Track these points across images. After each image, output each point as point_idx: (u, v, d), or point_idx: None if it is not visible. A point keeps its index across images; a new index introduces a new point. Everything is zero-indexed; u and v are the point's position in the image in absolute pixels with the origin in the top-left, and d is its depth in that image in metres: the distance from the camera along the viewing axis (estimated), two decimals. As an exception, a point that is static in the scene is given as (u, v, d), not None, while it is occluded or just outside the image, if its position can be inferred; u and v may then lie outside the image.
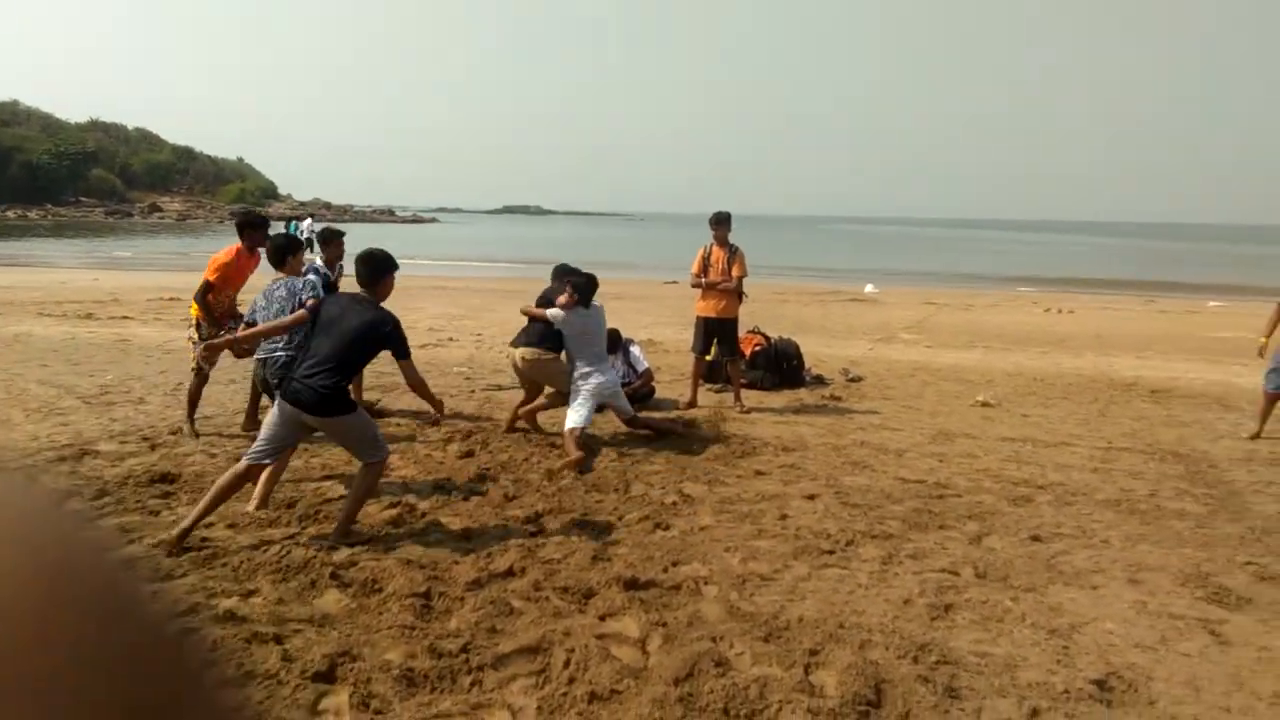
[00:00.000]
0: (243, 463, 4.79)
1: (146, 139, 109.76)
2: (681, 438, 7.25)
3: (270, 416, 4.93)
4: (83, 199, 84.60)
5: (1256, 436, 7.79)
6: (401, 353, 4.87)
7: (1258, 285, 31.00)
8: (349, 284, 5.75)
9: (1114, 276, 36.56)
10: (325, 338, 4.81)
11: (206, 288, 6.90)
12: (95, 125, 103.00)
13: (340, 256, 7.80)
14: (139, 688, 0.31)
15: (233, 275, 6.99)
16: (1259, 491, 6.19)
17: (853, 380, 10.03)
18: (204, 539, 4.73)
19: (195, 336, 6.90)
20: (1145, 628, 4.03)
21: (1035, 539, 5.12)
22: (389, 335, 4.85)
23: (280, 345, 5.79)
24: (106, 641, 0.30)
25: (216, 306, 6.95)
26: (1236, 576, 4.64)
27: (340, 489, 5.68)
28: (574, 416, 6.73)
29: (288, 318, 5.44)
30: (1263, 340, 8.16)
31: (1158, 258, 59.87)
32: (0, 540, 0.31)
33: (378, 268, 5.02)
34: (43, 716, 0.27)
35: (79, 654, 0.29)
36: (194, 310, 7.03)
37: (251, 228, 7.13)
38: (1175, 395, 9.76)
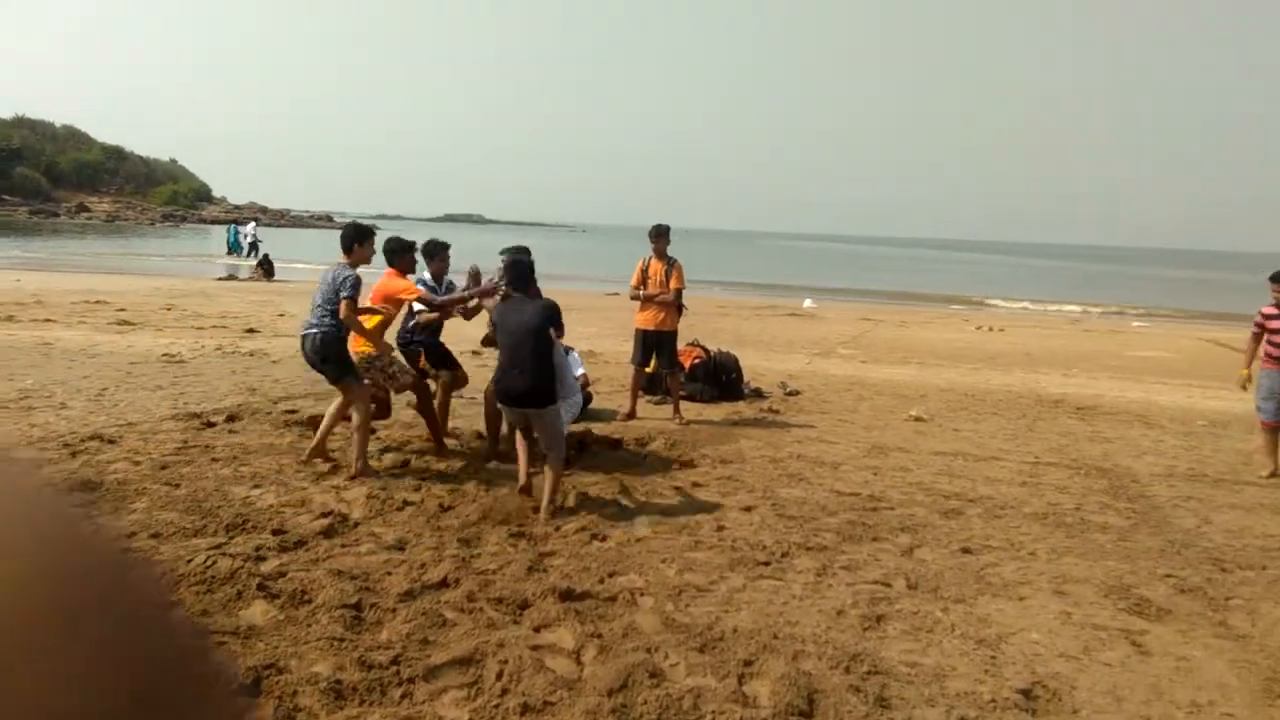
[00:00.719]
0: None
1: (75, 137, 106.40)
2: (614, 450, 7.24)
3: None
4: (5, 197, 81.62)
5: (1274, 475, 7.26)
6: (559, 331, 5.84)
7: (1181, 307, 32.16)
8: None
9: (1039, 295, 37.61)
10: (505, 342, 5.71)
11: (423, 301, 6.83)
12: (21, 122, 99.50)
13: (446, 269, 7.39)
14: (141, 664, 0.31)
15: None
16: (1178, 506, 6.40)
17: (790, 394, 10.14)
18: (124, 549, 4.57)
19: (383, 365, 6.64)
20: (1070, 638, 4.13)
21: (965, 551, 5.21)
22: (554, 317, 5.82)
23: (314, 321, 6.14)
24: (110, 618, 0.31)
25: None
26: (1157, 588, 4.78)
27: (271, 497, 5.55)
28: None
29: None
30: (1244, 371, 7.71)
31: (1087, 279, 61.72)
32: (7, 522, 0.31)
33: (521, 272, 5.98)
34: (55, 690, 0.28)
35: (87, 629, 0.30)
36: (361, 347, 6.54)
37: (402, 252, 6.81)
38: (1100, 412, 10.05)
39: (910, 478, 6.82)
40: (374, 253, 6.45)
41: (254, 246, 33.06)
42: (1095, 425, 9.29)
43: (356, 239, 6.30)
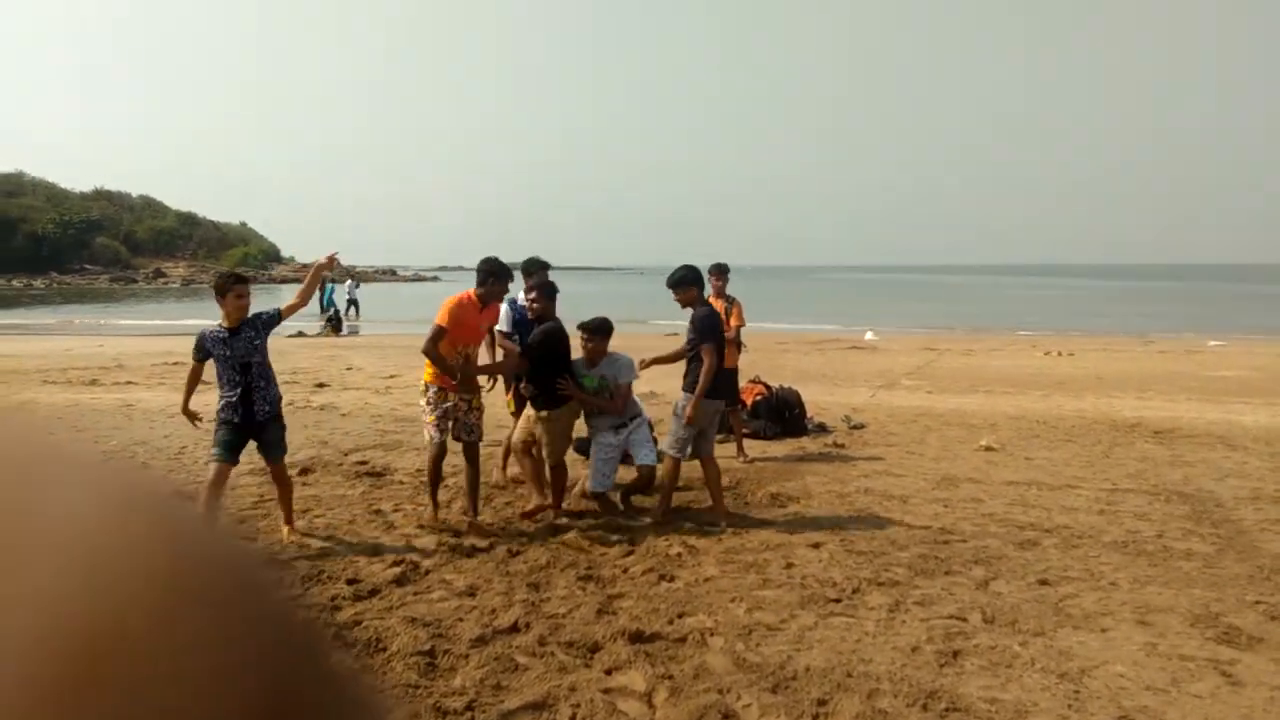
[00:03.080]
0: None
1: (150, 206, 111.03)
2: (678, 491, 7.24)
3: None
4: (87, 266, 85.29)
5: None
6: None
7: (1259, 324, 31.09)
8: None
9: (1109, 316, 36.69)
10: None
11: (438, 334, 6.04)
12: (100, 194, 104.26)
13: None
14: (275, 672, 0.29)
15: (464, 326, 6.16)
16: (1266, 530, 6.16)
17: (855, 427, 10.03)
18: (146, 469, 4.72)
19: (422, 403, 6.33)
20: (1156, 670, 4.00)
21: (1043, 583, 5.09)
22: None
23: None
24: (242, 622, 0.30)
25: (450, 357, 6.10)
26: (1246, 616, 4.61)
27: (345, 548, 5.67)
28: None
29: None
30: None
31: (1156, 298, 60.10)
32: (134, 513, 0.30)
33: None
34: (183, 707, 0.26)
35: (216, 636, 0.28)
36: (427, 374, 6.25)
37: (496, 277, 6.19)
38: (1178, 435, 9.74)
39: (982, 509, 6.68)
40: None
41: (353, 303, 33.04)
42: (1174, 449, 9.01)
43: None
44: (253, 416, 5.65)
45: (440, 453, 6.19)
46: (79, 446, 0.33)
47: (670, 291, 6.61)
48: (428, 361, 6.20)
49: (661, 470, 6.54)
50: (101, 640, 0.26)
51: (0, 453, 0.31)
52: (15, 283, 72.59)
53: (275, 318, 5.81)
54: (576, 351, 6.57)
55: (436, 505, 6.30)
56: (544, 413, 6.39)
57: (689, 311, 6.59)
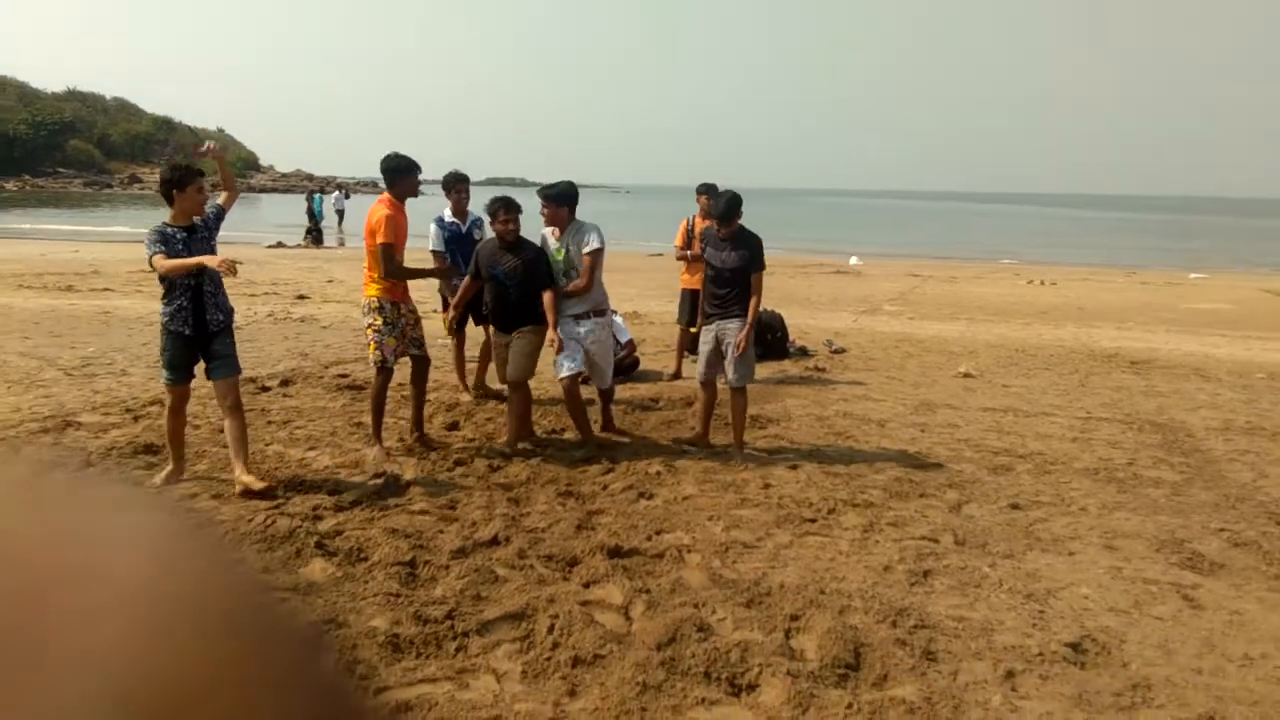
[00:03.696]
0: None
1: (125, 109, 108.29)
2: (659, 410, 7.29)
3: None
4: (60, 170, 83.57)
5: None
6: None
7: (1241, 257, 31.26)
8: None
9: (1094, 246, 36.77)
10: None
11: (391, 251, 5.75)
12: (73, 95, 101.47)
13: (467, 203, 7.34)
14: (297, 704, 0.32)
15: (401, 231, 5.88)
16: (1234, 460, 6.28)
17: (836, 352, 10.08)
18: (189, 509, 4.75)
19: (378, 323, 5.82)
20: (1120, 592, 4.11)
21: (1014, 507, 5.19)
22: None
23: None
24: (266, 661, 0.32)
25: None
26: (1210, 543, 4.73)
27: (326, 459, 5.70)
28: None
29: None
30: None
31: (1138, 230, 60.17)
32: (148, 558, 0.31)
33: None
34: None
35: (242, 674, 0.30)
36: (373, 289, 5.84)
37: (405, 172, 5.89)
38: (1154, 366, 9.86)
39: (958, 434, 6.77)
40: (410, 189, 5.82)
41: (340, 214, 32.12)
42: (1149, 379, 9.12)
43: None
44: (205, 326, 5.01)
45: (389, 378, 5.87)
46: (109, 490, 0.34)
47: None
48: (370, 277, 5.86)
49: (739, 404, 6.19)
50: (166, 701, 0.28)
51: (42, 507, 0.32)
52: (-13, 184, 71.06)
53: (221, 213, 5.18)
54: None
55: (382, 439, 5.83)
56: (516, 332, 6.05)
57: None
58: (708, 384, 6.33)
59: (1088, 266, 26.23)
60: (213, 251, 5.02)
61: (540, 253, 6.07)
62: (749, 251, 6.05)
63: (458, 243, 7.15)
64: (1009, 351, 10.58)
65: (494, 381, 7.12)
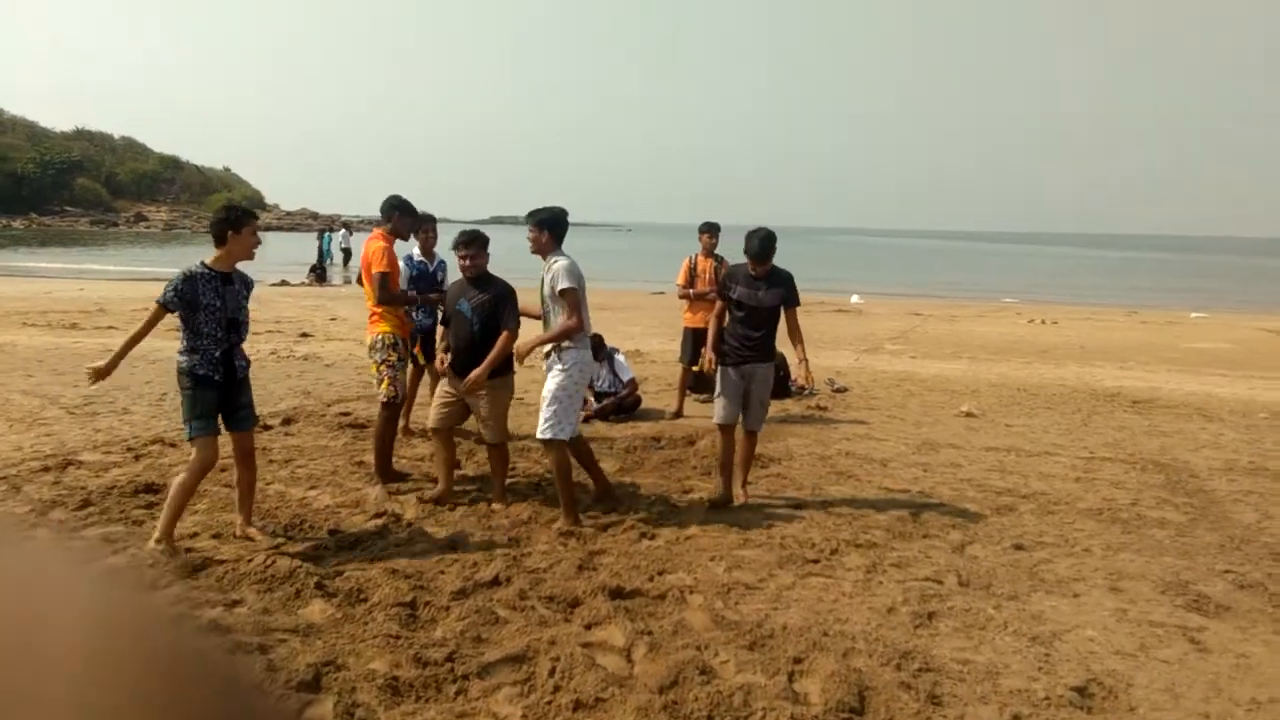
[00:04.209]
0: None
1: (133, 148, 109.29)
2: (661, 449, 7.27)
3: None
4: (68, 208, 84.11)
5: None
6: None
7: (1240, 296, 31.33)
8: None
9: (1096, 286, 36.89)
10: None
11: (387, 280, 5.96)
12: (81, 134, 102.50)
13: (434, 242, 7.30)
14: None
15: (395, 265, 6.12)
16: (1238, 501, 6.25)
17: (838, 391, 10.09)
18: (188, 549, 4.74)
19: (392, 358, 6.01)
20: (1126, 635, 4.07)
21: (1018, 547, 5.16)
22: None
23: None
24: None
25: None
26: (1216, 584, 4.69)
27: (327, 498, 5.68)
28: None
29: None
30: None
31: (1141, 269, 60.36)
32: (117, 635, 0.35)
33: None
34: None
35: None
36: (385, 326, 6.03)
37: (403, 211, 6.28)
38: (1157, 406, 9.85)
39: (961, 474, 6.75)
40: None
41: (347, 253, 32.45)
42: (1152, 419, 9.11)
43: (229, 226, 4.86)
44: (234, 374, 4.85)
45: (398, 414, 6.17)
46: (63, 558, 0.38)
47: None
48: (380, 315, 6.05)
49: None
50: None
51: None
52: (-6, 223, 71.54)
53: (252, 283, 5.06)
54: None
55: (386, 478, 5.98)
56: (488, 383, 5.61)
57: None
58: (729, 428, 5.96)
59: (1089, 306, 26.30)
60: (245, 308, 4.91)
61: (509, 291, 5.68)
62: (784, 289, 5.96)
63: (424, 281, 7.04)
64: (1011, 390, 10.58)
65: (418, 424, 7.34)
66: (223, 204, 5.21)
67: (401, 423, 7.18)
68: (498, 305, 5.59)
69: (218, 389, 4.75)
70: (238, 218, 4.83)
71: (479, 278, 5.71)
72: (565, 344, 5.46)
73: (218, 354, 4.76)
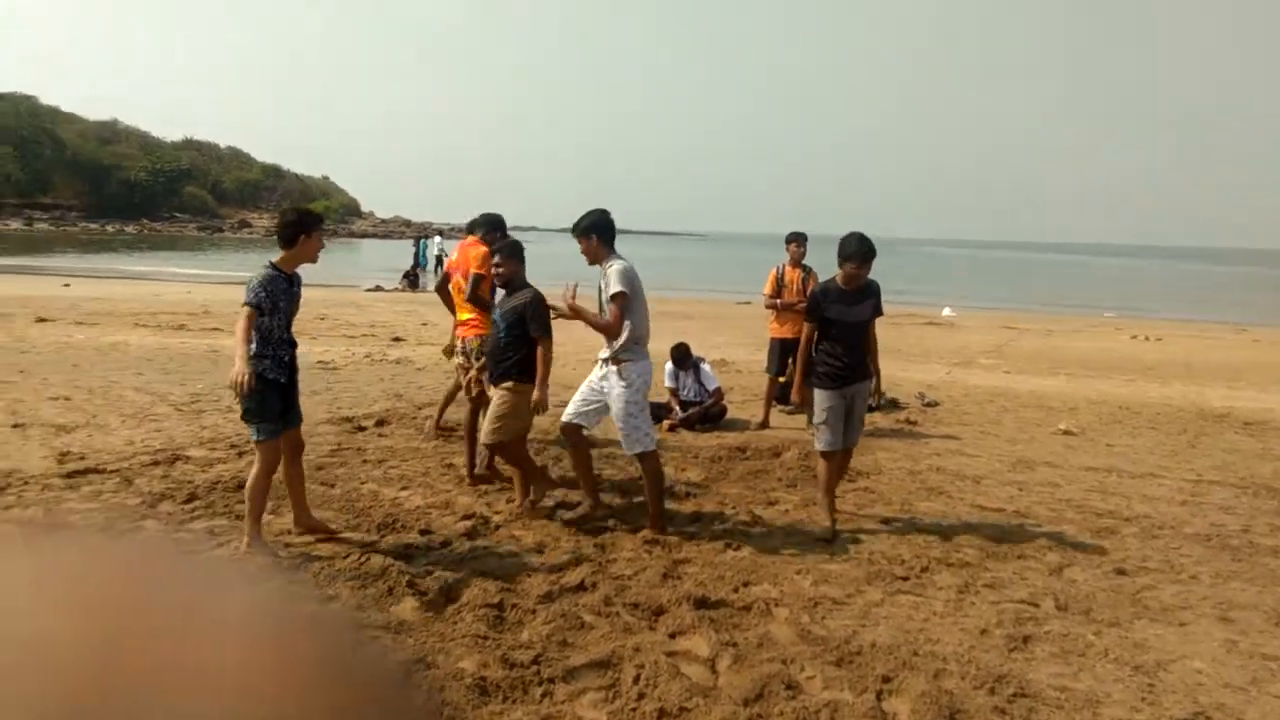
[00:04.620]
0: None
1: (238, 157, 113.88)
2: (748, 460, 7.22)
3: None
4: (177, 215, 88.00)
5: None
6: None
7: (1361, 315, 29.61)
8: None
9: (1203, 301, 35.33)
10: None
11: (480, 281, 6.36)
12: (189, 144, 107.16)
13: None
14: None
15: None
16: (1361, 530, 5.90)
17: (929, 405, 9.87)
18: (286, 544, 4.89)
19: (467, 363, 6.49)
20: (1236, 668, 3.88)
21: (1120, 572, 4.96)
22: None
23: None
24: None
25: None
26: (1336, 618, 4.43)
27: (418, 499, 5.80)
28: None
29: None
30: None
31: (1251, 284, 57.60)
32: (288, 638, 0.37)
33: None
34: None
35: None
36: (468, 329, 6.48)
37: (502, 230, 6.68)
38: (1270, 428, 9.37)
39: (1059, 494, 6.53)
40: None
41: (439, 260, 32.99)
42: (1265, 442, 8.67)
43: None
44: (295, 374, 4.97)
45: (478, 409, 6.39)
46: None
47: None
48: (473, 317, 6.44)
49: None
50: None
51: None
52: (109, 228, 75.27)
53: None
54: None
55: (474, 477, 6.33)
56: (508, 383, 5.62)
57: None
58: (835, 455, 5.66)
59: (1196, 322, 25.20)
60: (297, 309, 4.98)
61: (536, 298, 5.60)
62: (876, 299, 5.69)
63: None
64: (1112, 409, 10.20)
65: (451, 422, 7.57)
66: (290, 207, 5.24)
67: (435, 419, 7.57)
68: (522, 313, 5.57)
69: (283, 391, 4.82)
70: (309, 220, 4.90)
71: (509, 285, 5.76)
72: (624, 356, 5.37)
73: (286, 357, 4.84)
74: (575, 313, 5.35)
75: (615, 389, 5.40)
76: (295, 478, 5.08)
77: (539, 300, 5.60)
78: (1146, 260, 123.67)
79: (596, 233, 5.43)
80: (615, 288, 5.31)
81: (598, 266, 5.50)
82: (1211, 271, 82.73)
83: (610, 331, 5.36)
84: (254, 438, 4.79)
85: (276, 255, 4.90)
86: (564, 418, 5.64)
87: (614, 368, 5.40)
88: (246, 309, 4.64)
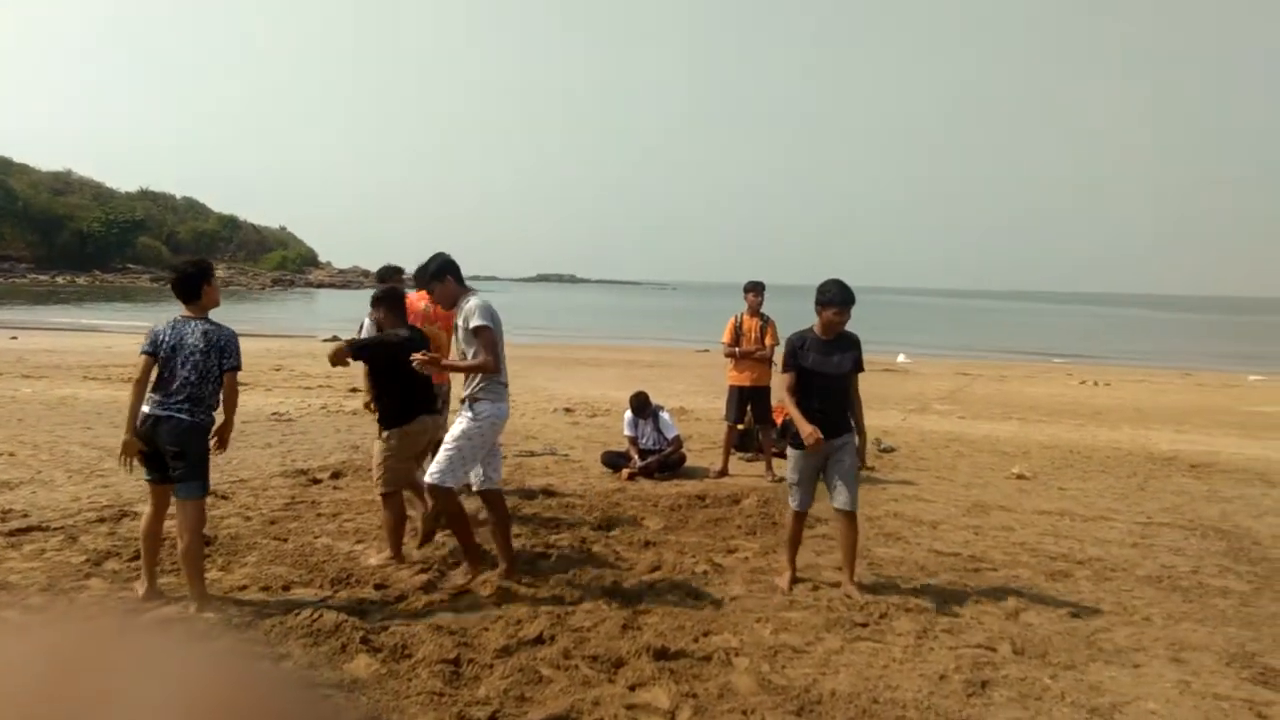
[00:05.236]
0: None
1: (193, 208, 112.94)
2: (706, 508, 7.22)
3: None
4: (130, 265, 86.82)
5: None
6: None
7: (1300, 359, 30.50)
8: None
9: (1148, 350, 36.20)
10: None
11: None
12: (145, 194, 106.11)
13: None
14: None
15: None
16: (1306, 570, 6.03)
17: (885, 451, 9.96)
18: (237, 601, 4.78)
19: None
20: (1189, 708, 3.92)
21: (1074, 615, 5.01)
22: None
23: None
24: None
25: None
26: (1284, 657, 4.51)
27: (373, 553, 5.71)
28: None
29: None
30: None
31: (1195, 330, 59.16)
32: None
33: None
34: None
35: None
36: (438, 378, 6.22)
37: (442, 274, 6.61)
38: (1216, 470, 9.58)
39: (1014, 537, 6.60)
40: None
41: None
42: (1211, 483, 8.86)
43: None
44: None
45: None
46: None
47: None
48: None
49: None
50: None
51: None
52: (59, 279, 73.99)
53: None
54: None
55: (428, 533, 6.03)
56: (395, 429, 5.65)
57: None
58: (805, 515, 5.55)
59: (1143, 367, 25.78)
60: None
61: (400, 340, 5.55)
62: (857, 351, 5.58)
63: None
64: (1063, 453, 10.37)
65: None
66: (185, 260, 5.25)
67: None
68: (393, 352, 5.58)
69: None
70: (207, 268, 5.02)
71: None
72: (481, 395, 5.17)
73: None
74: (434, 361, 5.14)
75: (462, 420, 5.19)
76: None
77: (397, 343, 5.58)
78: (1096, 307, 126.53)
79: (450, 273, 5.31)
80: (478, 321, 5.12)
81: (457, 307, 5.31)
82: (1154, 318, 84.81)
83: (487, 368, 5.12)
84: (200, 494, 4.88)
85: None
86: (448, 482, 5.17)
87: (469, 403, 5.20)
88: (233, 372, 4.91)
